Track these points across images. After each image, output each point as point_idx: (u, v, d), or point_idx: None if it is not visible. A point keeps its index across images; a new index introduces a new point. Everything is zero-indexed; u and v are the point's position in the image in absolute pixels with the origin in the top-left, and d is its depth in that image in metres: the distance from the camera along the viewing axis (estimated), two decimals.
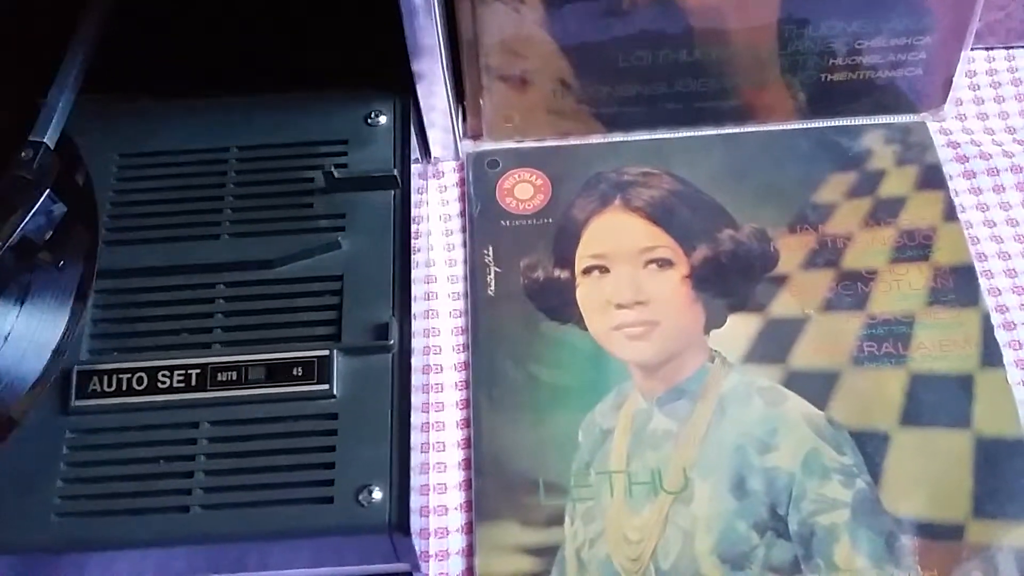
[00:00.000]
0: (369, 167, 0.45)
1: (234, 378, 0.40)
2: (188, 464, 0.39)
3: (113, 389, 0.40)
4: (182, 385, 0.40)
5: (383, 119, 0.46)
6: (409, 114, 0.47)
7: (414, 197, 0.50)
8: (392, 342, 0.40)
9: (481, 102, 0.53)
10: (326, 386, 0.40)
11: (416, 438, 0.45)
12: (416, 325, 0.47)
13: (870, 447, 0.44)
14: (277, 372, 0.40)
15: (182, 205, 0.45)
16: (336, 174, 0.44)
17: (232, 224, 0.44)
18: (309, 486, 0.38)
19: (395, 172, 0.44)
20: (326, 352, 0.40)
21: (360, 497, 0.38)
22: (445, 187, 0.53)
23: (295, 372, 0.40)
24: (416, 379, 0.46)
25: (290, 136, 0.46)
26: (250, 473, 0.38)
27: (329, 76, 0.47)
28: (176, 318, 0.42)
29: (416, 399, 0.45)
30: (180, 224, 0.44)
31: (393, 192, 0.44)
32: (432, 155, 0.52)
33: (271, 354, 0.40)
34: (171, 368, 0.40)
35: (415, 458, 0.44)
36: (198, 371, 0.40)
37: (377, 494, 0.38)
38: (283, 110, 0.47)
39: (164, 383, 0.40)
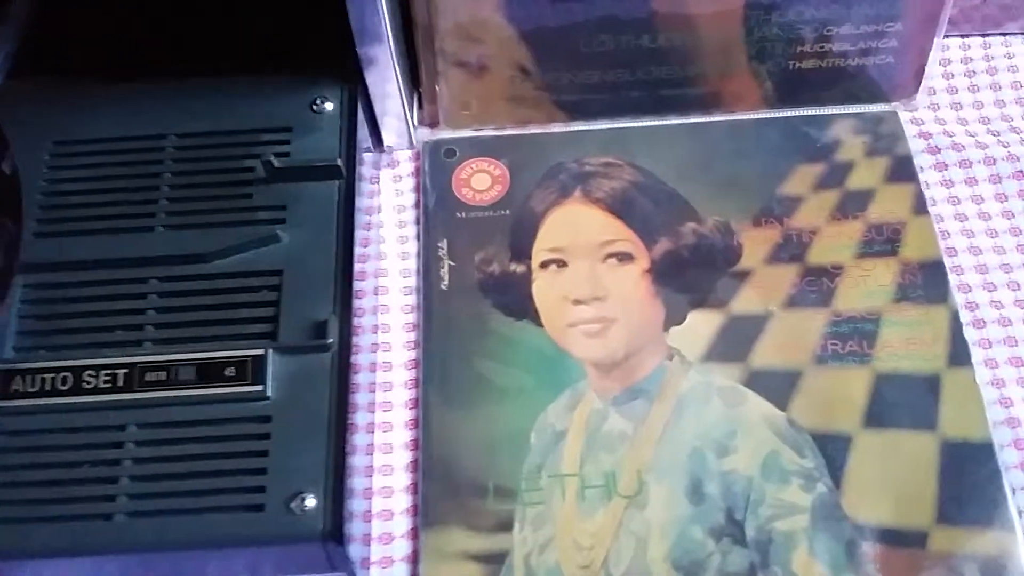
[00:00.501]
0: (313, 156, 0.43)
1: (163, 378, 0.38)
2: (113, 469, 0.37)
3: (37, 389, 0.38)
4: (108, 386, 0.38)
5: (329, 106, 0.44)
6: (357, 101, 0.45)
7: (366, 188, 0.49)
8: (331, 341, 0.39)
9: (437, 89, 0.51)
10: (260, 387, 0.38)
11: (361, 439, 0.43)
12: (365, 321, 0.46)
13: (832, 450, 0.42)
14: (208, 372, 0.38)
15: (115, 195, 0.43)
16: (276, 163, 0.42)
17: (167, 216, 0.42)
18: (239, 493, 0.36)
19: (339, 162, 0.42)
20: (261, 351, 0.38)
21: (292, 505, 0.36)
22: (400, 177, 0.51)
23: (227, 372, 0.38)
24: (363, 377, 0.44)
25: (230, 123, 0.44)
26: (178, 479, 0.37)
27: (273, 60, 0.45)
28: (106, 314, 0.40)
29: (362, 398, 0.44)
30: (113, 216, 0.42)
31: (337, 183, 0.43)
32: (385, 144, 0.50)
33: (203, 353, 0.38)
34: (97, 368, 0.38)
35: (359, 460, 0.43)
36: (125, 371, 0.38)
37: (311, 501, 0.36)
38: (224, 96, 0.45)
39: (90, 383, 0.38)
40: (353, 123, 0.44)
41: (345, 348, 0.39)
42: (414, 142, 0.51)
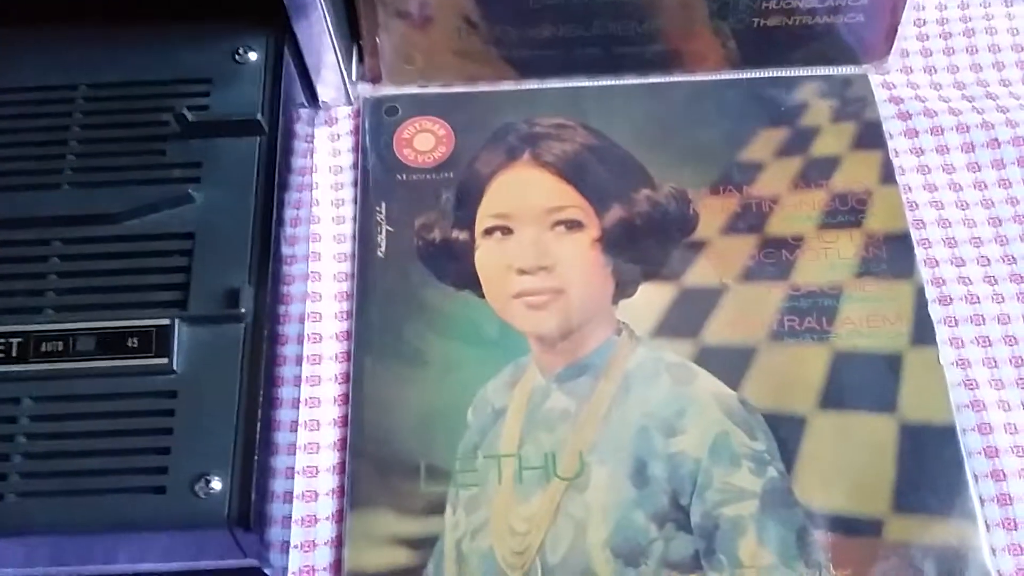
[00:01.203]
0: (232, 110, 0.39)
1: (60, 349, 0.35)
2: (5, 446, 0.34)
3: None
4: (2, 356, 0.35)
5: (253, 56, 0.41)
6: (283, 52, 0.42)
7: (300, 146, 0.45)
8: (244, 311, 0.36)
9: (378, 41, 0.48)
10: (165, 360, 0.35)
11: (286, 415, 0.40)
12: (294, 289, 0.43)
13: (785, 432, 0.40)
14: (109, 343, 0.35)
15: (19, 150, 0.39)
16: (191, 117, 0.38)
17: (74, 172, 0.39)
18: (140, 474, 0.33)
19: (260, 117, 0.39)
20: (167, 321, 0.35)
21: (196, 487, 0.33)
22: (337, 136, 0.48)
23: (130, 343, 0.35)
24: (291, 349, 0.42)
25: (146, 73, 0.40)
26: (74, 458, 0.34)
27: (193, 6, 0.41)
28: (3, 278, 0.37)
29: (288, 371, 0.41)
30: (16, 171, 0.39)
31: (258, 139, 0.39)
32: (321, 100, 0.47)
33: (104, 323, 0.35)
34: None
35: (283, 438, 0.40)
36: (20, 340, 0.35)
37: (216, 484, 0.33)
38: (139, 44, 0.41)
39: None
40: (278, 76, 0.41)
41: (260, 319, 0.36)
42: (352, 99, 0.47)
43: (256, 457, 0.34)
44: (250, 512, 0.33)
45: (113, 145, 0.39)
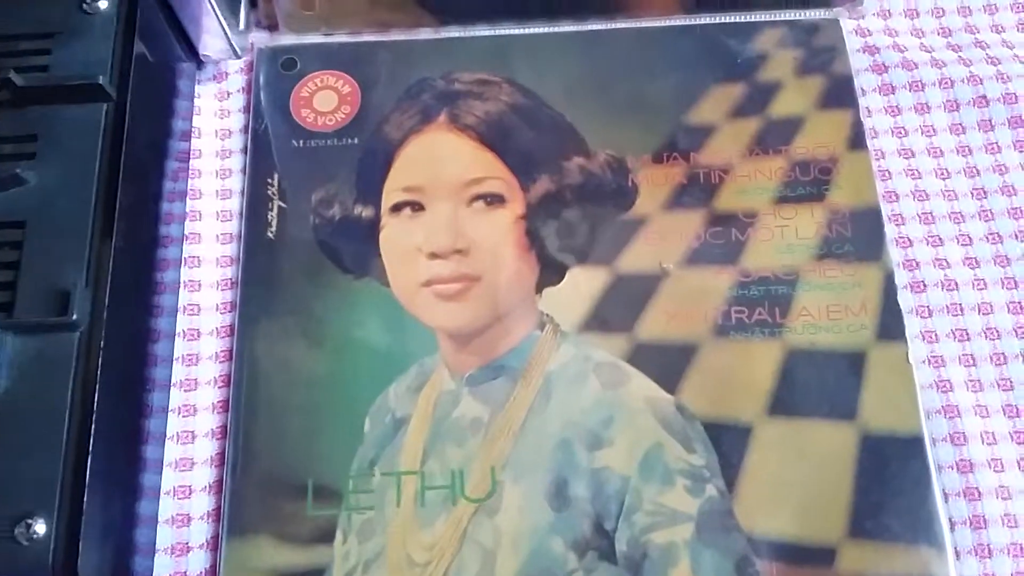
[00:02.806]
0: (73, 72, 0.33)
1: None
2: None
3: None
4: None
5: (104, 4, 0.35)
6: None
7: (182, 106, 0.39)
8: (75, 318, 0.30)
9: None
10: None
11: (156, 426, 0.35)
12: (168, 276, 0.37)
13: (727, 443, 0.35)
14: None
15: None
16: (21, 82, 0.32)
17: None
18: None
19: (103, 80, 0.33)
20: None
21: (17, 532, 0.28)
22: (227, 94, 0.42)
23: None
24: (163, 348, 0.36)
25: None
26: None
27: None
28: None
29: (160, 373, 0.36)
30: None
31: (105, 106, 0.33)
32: (202, 53, 0.40)
33: None
34: None
35: (152, 452, 0.35)
36: None
37: (40, 527, 0.28)
38: None
39: None
40: (131, 27, 0.34)
41: (97, 327, 0.30)
42: (238, 51, 0.41)
43: (86, 495, 0.28)
44: (78, 560, 0.28)
45: None
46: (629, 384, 0.36)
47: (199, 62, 0.41)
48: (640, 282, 0.37)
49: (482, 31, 0.43)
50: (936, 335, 0.37)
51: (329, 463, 0.35)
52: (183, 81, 0.40)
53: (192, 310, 0.38)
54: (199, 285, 0.38)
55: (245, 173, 0.40)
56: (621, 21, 0.43)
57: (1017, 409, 0.35)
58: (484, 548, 0.34)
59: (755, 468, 0.34)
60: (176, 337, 0.37)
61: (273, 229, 0.39)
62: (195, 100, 0.41)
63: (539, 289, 0.38)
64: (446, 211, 0.38)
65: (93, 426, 0.29)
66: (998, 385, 0.36)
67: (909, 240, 0.38)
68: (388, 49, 0.42)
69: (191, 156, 0.40)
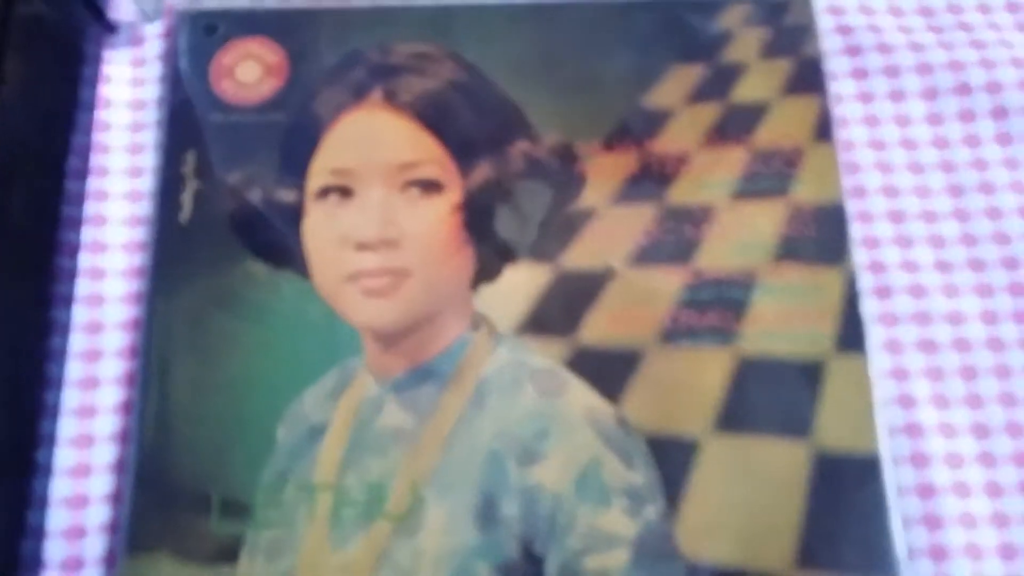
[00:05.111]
0: None
1: None
2: None
3: None
4: None
5: None
6: None
7: (88, 73, 0.36)
8: None
9: None
10: None
11: (47, 427, 0.32)
12: (63, 263, 0.34)
13: (670, 460, 0.32)
14: None
15: None
16: None
17: None
18: None
19: None
20: None
21: None
22: (142, 61, 0.38)
23: None
24: (58, 342, 0.33)
25: None
26: None
27: None
28: None
29: (54, 370, 0.33)
30: None
31: None
32: (111, 16, 0.37)
33: None
34: None
35: (42, 456, 0.32)
36: None
37: None
38: None
39: None
40: None
41: None
42: (151, 14, 0.37)
43: None
44: None
45: None
46: (567, 393, 0.33)
47: (109, 25, 0.37)
48: (584, 281, 0.34)
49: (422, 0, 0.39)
50: (900, 345, 0.34)
51: (238, 474, 0.32)
52: (93, 45, 0.36)
53: (95, 300, 0.34)
54: (104, 273, 0.35)
55: (158, 150, 0.37)
56: None
57: (986, 429, 0.33)
58: (403, 570, 0.31)
59: (699, 488, 0.32)
60: (74, 331, 0.34)
61: (186, 212, 0.36)
62: (105, 67, 0.37)
63: (475, 285, 0.35)
64: (377, 197, 0.35)
65: None
66: (966, 402, 0.33)
67: (875, 241, 0.35)
68: (319, 16, 0.39)
69: (96, 129, 0.36)
